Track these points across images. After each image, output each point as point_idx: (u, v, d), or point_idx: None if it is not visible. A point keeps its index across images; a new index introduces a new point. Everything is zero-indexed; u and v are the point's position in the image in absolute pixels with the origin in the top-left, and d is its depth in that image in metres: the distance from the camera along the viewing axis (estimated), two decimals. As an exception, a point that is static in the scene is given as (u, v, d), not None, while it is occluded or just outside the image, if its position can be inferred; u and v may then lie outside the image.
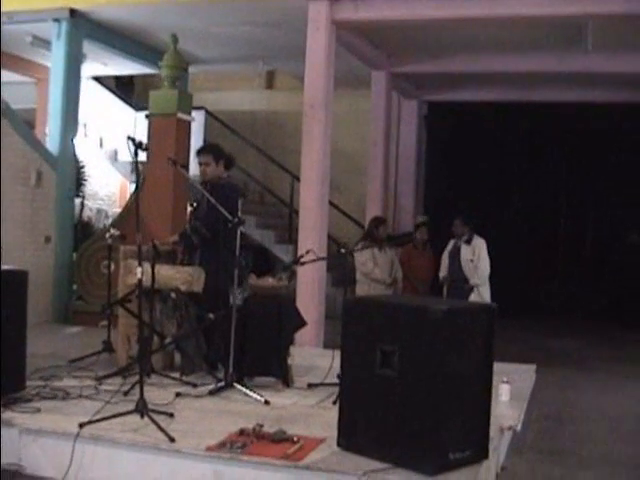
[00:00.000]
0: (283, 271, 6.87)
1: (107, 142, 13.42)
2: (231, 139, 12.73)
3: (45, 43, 10.55)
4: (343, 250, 6.49)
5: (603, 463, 5.64)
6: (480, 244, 8.89)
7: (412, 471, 4.01)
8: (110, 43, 10.79)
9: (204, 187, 6.48)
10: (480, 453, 4.28)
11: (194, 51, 11.41)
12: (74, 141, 10.15)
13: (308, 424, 5.01)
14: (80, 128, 11.20)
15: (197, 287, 6.25)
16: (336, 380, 4.79)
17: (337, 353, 4.57)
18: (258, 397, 5.58)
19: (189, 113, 9.41)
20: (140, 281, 5.05)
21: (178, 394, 5.62)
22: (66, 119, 9.94)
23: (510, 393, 5.90)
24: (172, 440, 4.42)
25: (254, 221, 11.96)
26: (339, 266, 9.38)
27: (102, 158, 13.51)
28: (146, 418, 4.71)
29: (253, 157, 13.27)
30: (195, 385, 5.93)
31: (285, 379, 6.18)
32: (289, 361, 6.24)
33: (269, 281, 6.53)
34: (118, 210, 12.39)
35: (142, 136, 8.54)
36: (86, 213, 13.06)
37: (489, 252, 8.90)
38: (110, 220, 12.30)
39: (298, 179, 9.40)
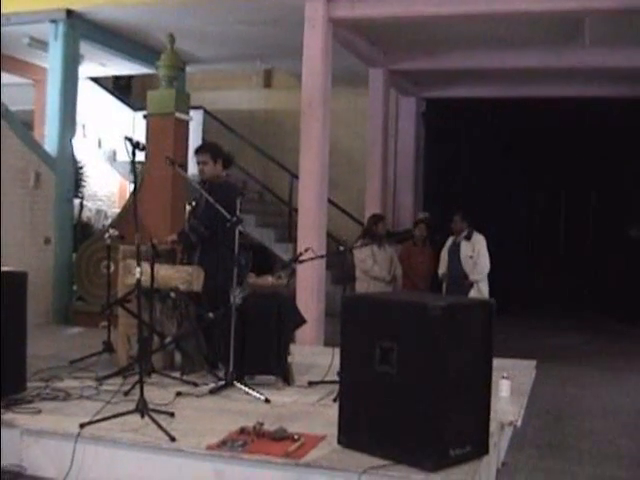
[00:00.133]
0: (282, 270, 6.87)
1: (106, 142, 13.42)
2: (229, 138, 12.73)
3: (42, 44, 10.55)
4: (342, 248, 6.50)
5: (603, 458, 5.65)
6: (480, 240, 8.91)
7: (412, 467, 4.01)
8: (107, 43, 10.79)
9: (202, 186, 6.49)
10: (480, 449, 4.29)
11: (191, 50, 11.41)
12: (72, 142, 10.16)
13: (309, 422, 5.01)
14: (78, 129, 11.23)
15: (196, 286, 6.26)
16: (336, 378, 4.79)
17: (337, 351, 4.57)
18: (258, 395, 5.58)
19: (187, 113, 9.42)
20: (139, 281, 5.06)
21: (178, 393, 5.62)
22: (64, 120, 9.94)
23: (510, 389, 5.90)
24: (173, 439, 4.43)
25: (254, 220, 11.96)
26: (338, 264, 9.38)
27: (101, 158, 13.52)
28: (147, 418, 4.71)
29: (252, 156, 13.26)
30: (195, 384, 5.93)
31: (285, 377, 6.18)
32: (289, 359, 6.24)
33: (268, 280, 6.54)
34: (117, 210, 12.40)
35: (141, 136, 8.60)
36: (85, 214, 13.07)
37: (488, 248, 8.91)
38: (109, 220, 12.31)
39: (297, 177, 9.41)
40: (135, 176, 5.53)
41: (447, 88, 13.06)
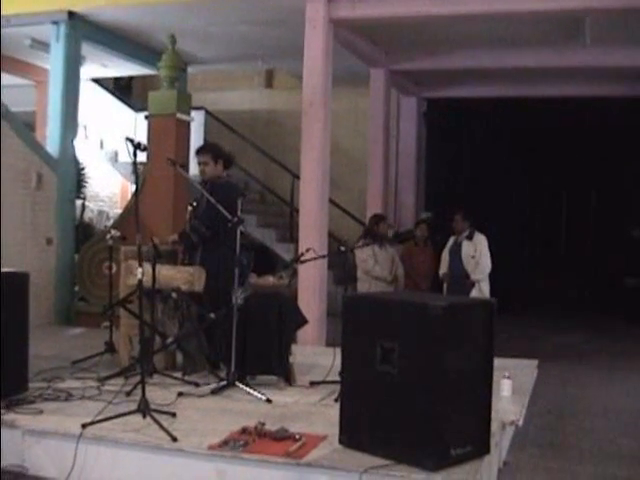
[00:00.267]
0: (284, 270, 6.88)
1: (107, 143, 13.43)
2: (231, 138, 12.73)
3: (44, 46, 10.57)
4: (343, 248, 6.51)
5: (605, 457, 5.65)
6: (481, 240, 8.91)
7: (413, 467, 4.02)
8: (109, 45, 10.81)
9: (203, 186, 6.50)
10: (481, 448, 4.29)
11: (193, 51, 11.42)
12: (74, 143, 10.17)
13: (310, 422, 5.02)
14: (80, 130, 11.24)
15: (198, 287, 6.27)
16: (338, 378, 4.79)
17: (339, 351, 4.58)
18: (260, 395, 5.59)
19: (188, 113, 9.43)
20: (140, 282, 5.07)
21: (180, 394, 5.64)
22: (66, 121, 9.96)
23: (512, 388, 5.91)
24: (174, 439, 4.44)
25: (255, 220, 11.97)
26: (340, 264, 9.39)
27: (103, 159, 13.53)
28: (148, 418, 4.73)
29: (253, 156, 13.26)
30: (197, 384, 5.94)
31: (287, 377, 6.19)
32: (291, 359, 6.25)
33: (270, 280, 6.55)
34: (119, 211, 12.41)
35: (142, 137, 8.62)
36: (87, 214, 13.08)
37: (490, 248, 8.92)
38: (111, 221, 12.32)
39: (298, 177, 9.41)
40: (137, 177, 5.53)
41: (448, 88, 13.06)
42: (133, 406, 4.85)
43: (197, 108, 11.21)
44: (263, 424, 4.64)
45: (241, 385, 5.75)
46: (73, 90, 10.11)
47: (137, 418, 4.75)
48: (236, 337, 5.80)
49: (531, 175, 18.12)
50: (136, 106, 12.88)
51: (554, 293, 17.00)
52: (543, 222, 19.21)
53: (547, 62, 10.87)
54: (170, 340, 6.45)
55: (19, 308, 5.39)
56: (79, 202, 11.89)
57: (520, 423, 5.36)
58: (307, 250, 6.45)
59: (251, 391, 5.67)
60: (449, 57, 11.13)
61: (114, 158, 13.46)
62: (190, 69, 12.42)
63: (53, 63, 10.09)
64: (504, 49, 10.74)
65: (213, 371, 6.30)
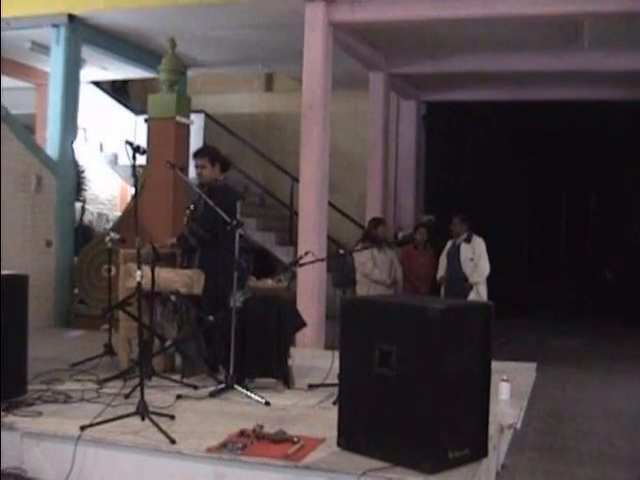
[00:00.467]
0: (283, 273, 6.88)
1: (107, 146, 13.45)
2: (231, 142, 12.75)
3: (44, 48, 10.58)
4: (342, 251, 6.52)
5: (603, 460, 5.67)
6: (480, 243, 8.93)
7: (411, 470, 4.03)
8: (109, 48, 10.82)
9: (201, 189, 6.50)
10: (479, 451, 4.30)
11: (192, 54, 11.44)
12: (74, 146, 10.19)
13: (308, 424, 5.03)
14: (80, 133, 11.25)
15: (197, 289, 6.28)
16: (336, 381, 4.80)
17: (337, 354, 4.59)
18: (259, 398, 5.60)
19: (188, 116, 9.44)
20: (139, 284, 5.08)
21: (179, 396, 5.64)
22: (66, 124, 9.97)
23: (510, 391, 5.92)
24: (173, 442, 4.45)
25: (255, 223, 11.97)
26: (339, 267, 9.40)
27: (102, 162, 13.54)
28: (147, 420, 4.74)
29: (253, 159, 13.28)
30: (196, 387, 5.94)
31: (286, 380, 6.20)
32: (289, 362, 6.25)
33: (269, 283, 6.56)
34: (118, 214, 12.42)
35: (142, 140, 8.63)
36: (87, 217, 13.09)
37: (488, 251, 8.94)
38: (110, 224, 12.33)
39: (298, 181, 9.43)
40: (136, 180, 5.54)
41: (448, 91, 13.08)
42: (132, 408, 4.85)
43: (197, 111, 11.22)
44: (262, 427, 4.65)
45: (240, 388, 5.75)
46: (73, 93, 10.12)
47: (136, 420, 4.75)
48: (235, 340, 5.81)
49: (530, 178, 18.16)
50: (136, 109, 12.90)
51: (553, 296, 17.01)
52: (542, 225, 19.25)
53: (546, 65, 10.90)
54: (169, 343, 6.45)
55: (18, 310, 5.39)
56: (79, 205, 11.91)
57: (518, 426, 5.37)
58: (306, 253, 6.46)
59: (250, 394, 5.67)
60: (448, 61, 11.14)
61: (114, 161, 13.48)
62: (190, 72, 12.44)
63: (53, 66, 10.10)
64: (503, 53, 10.76)
65: (212, 374, 6.29)
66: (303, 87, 8.94)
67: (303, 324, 6.60)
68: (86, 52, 10.48)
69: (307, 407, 5.61)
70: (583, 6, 8.26)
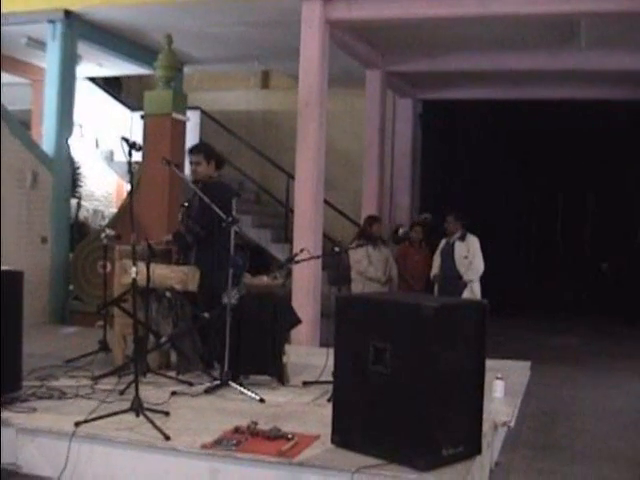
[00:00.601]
0: (278, 270, 6.89)
1: (103, 143, 13.43)
2: (227, 139, 12.76)
3: (40, 44, 10.56)
4: (337, 248, 6.52)
5: (597, 458, 5.67)
6: (474, 241, 8.94)
7: (405, 467, 4.04)
8: (105, 44, 10.80)
9: (195, 186, 6.49)
10: (473, 449, 4.31)
11: (189, 51, 11.43)
12: (70, 142, 10.17)
13: (303, 421, 5.04)
14: (76, 129, 11.22)
15: (192, 286, 6.27)
16: (331, 378, 4.81)
17: (332, 351, 4.59)
18: (253, 395, 5.60)
19: (184, 113, 9.43)
20: (135, 281, 5.09)
21: (174, 393, 5.65)
22: (61, 120, 9.94)
23: (504, 389, 5.94)
24: (167, 438, 4.46)
25: (250, 220, 11.97)
26: (334, 265, 9.41)
27: (98, 158, 13.53)
28: (142, 417, 4.74)
29: (249, 157, 13.28)
30: (191, 384, 5.95)
31: (280, 377, 6.21)
32: (284, 359, 6.26)
33: (264, 280, 6.56)
34: (114, 210, 12.42)
35: (138, 136, 8.62)
36: (82, 213, 13.08)
37: (485, 250, 8.95)
38: (106, 220, 12.32)
39: (294, 178, 9.43)
40: (132, 176, 5.54)
41: (444, 90, 13.08)
42: (126, 405, 4.86)
43: (193, 108, 11.21)
44: (256, 423, 4.66)
45: (234, 385, 5.76)
46: (69, 89, 10.10)
47: (130, 417, 4.76)
48: (230, 337, 5.81)
49: (527, 177, 18.17)
50: (132, 105, 12.88)
51: (551, 295, 17.03)
52: (539, 224, 19.27)
53: (542, 65, 10.90)
54: (164, 339, 6.45)
55: (13, 306, 5.39)
56: (74, 201, 11.90)
57: (512, 424, 5.39)
58: (301, 250, 6.47)
59: (244, 391, 5.68)
60: (445, 59, 11.15)
61: (109, 157, 13.47)
62: (186, 69, 12.43)
63: (49, 62, 10.08)
64: (500, 51, 10.76)
65: (207, 370, 6.30)
66: (299, 84, 8.94)
67: (298, 321, 6.61)
68: (82, 48, 10.45)
69: (302, 404, 5.62)
70: (580, 5, 8.28)
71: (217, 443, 4.41)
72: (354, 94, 12.50)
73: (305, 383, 6.17)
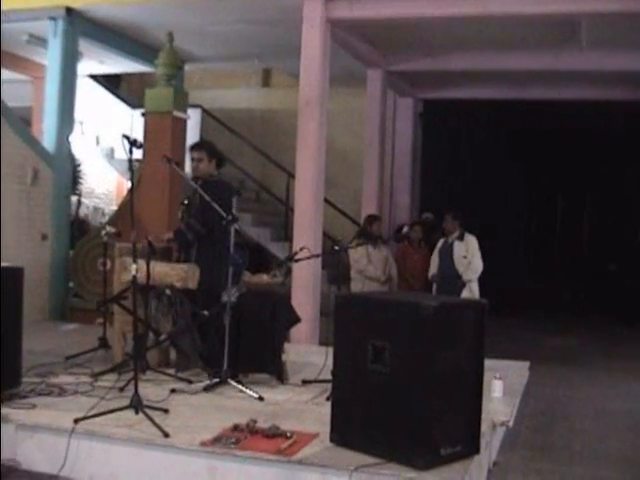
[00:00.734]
0: (278, 268, 6.90)
1: (103, 140, 13.44)
2: (227, 137, 12.76)
3: (41, 41, 10.57)
4: (337, 247, 6.53)
5: (596, 459, 5.68)
6: (472, 241, 8.95)
7: (404, 466, 4.05)
8: (106, 41, 10.80)
9: (195, 183, 6.49)
10: (471, 448, 4.32)
11: (190, 49, 11.42)
12: (70, 139, 10.18)
13: (302, 420, 5.05)
14: (76, 126, 11.23)
15: (192, 284, 6.28)
16: (330, 377, 4.82)
17: (331, 350, 4.60)
18: (252, 393, 5.61)
19: (185, 111, 9.44)
20: (135, 278, 5.09)
21: (173, 390, 5.66)
22: (62, 117, 9.95)
23: (503, 389, 5.94)
24: (166, 435, 4.46)
25: (250, 219, 11.98)
26: (334, 263, 9.41)
27: (99, 156, 13.54)
28: (141, 414, 4.75)
29: (249, 155, 13.29)
30: (190, 381, 5.96)
31: (279, 376, 6.21)
32: (283, 358, 6.27)
33: (264, 278, 6.57)
34: (114, 208, 12.42)
35: (139, 134, 8.62)
36: (82, 211, 13.09)
37: (484, 250, 8.96)
38: (106, 218, 12.33)
39: (294, 177, 9.44)
40: (132, 174, 5.55)
41: (445, 89, 13.08)
42: (126, 402, 4.87)
43: (194, 106, 11.22)
44: (255, 421, 4.67)
45: (234, 383, 5.77)
46: (70, 86, 10.11)
47: (130, 414, 4.77)
48: (229, 335, 5.82)
49: (527, 177, 18.18)
50: (133, 103, 12.88)
51: (550, 295, 17.04)
52: (539, 224, 19.28)
53: (543, 65, 10.90)
54: (163, 337, 6.47)
55: (13, 303, 5.39)
56: (74, 198, 11.90)
57: (510, 424, 5.39)
58: (301, 249, 6.47)
59: (244, 389, 5.69)
60: (446, 59, 11.14)
61: (110, 155, 13.48)
62: (187, 67, 12.41)
63: (50, 59, 10.08)
64: (500, 51, 10.76)
65: (206, 368, 6.30)
66: (300, 83, 8.95)
67: (297, 320, 6.61)
68: (83, 45, 10.46)
69: (300, 402, 5.62)
70: (581, 5, 8.28)
71: (216, 441, 4.42)
72: (355, 93, 12.50)
73: (304, 381, 6.17)
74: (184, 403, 5.38)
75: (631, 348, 11.03)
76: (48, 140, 9.90)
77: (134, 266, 5.07)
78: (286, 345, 6.40)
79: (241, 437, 4.47)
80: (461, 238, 8.96)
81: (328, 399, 5.19)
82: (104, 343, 7.11)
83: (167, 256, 6.73)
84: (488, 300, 4.47)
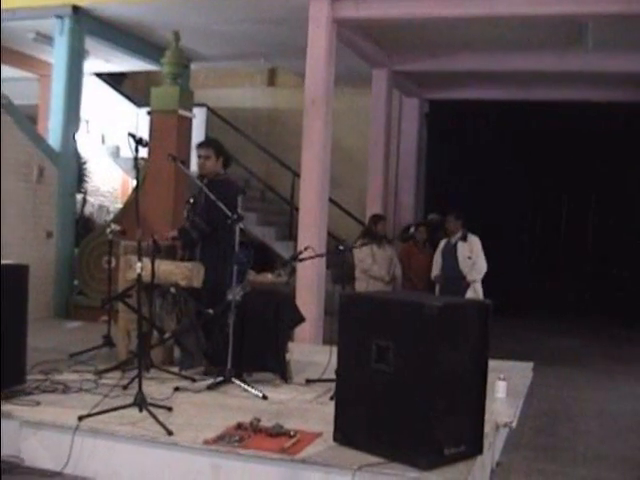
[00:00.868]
0: (282, 267, 6.90)
1: (109, 138, 13.46)
2: (233, 136, 12.76)
3: (48, 39, 10.60)
4: (342, 247, 6.53)
5: (598, 460, 5.67)
6: (476, 241, 8.95)
7: (407, 465, 4.05)
8: (112, 40, 10.82)
9: (201, 181, 6.50)
10: (475, 449, 4.32)
11: (196, 48, 11.44)
12: (76, 137, 10.19)
13: (305, 419, 5.05)
14: (82, 124, 11.25)
15: (196, 282, 6.28)
16: (334, 376, 4.82)
17: (335, 349, 4.60)
18: (256, 392, 5.62)
19: (190, 110, 9.45)
20: (139, 276, 5.10)
21: (177, 388, 5.67)
22: (68, 115, 9.97)
23: (506, 390, 5.94)
24: (170, 433, 4.47)
25: (255, 218, 11.98)
26: (338, 263, 9.41)
27: (104, 154, 13.56)
28: (145, 412, 4.75)
29: (255, 154, 13.29)
30: (194, 380, 5.97)
31: (283, 375, 6.22)
32: (287, 357, 6.27)
33: (268, 277, 6.57)
34: (120, 206, 12.44)
35: (144, 133, 8.63)
36: (88, 209, 13.12)
37: (488, 250, 8.95)
38: (111, 216, 12.34)
39: (299, 176, 9.44)
40: (138, 172, 5.55)
41: (450, 90, 13.08)
42: (130, 400, 4.87)
43: (199, 105, 11.23)
44: (259, 420, 4.67)
45: (237, 381, 5.77)
46: (76, 84, 10.13)
47: (133, 411, 4.77)
48: (233, 334, 5.83)
49: (532, 178, 18.13)
50: (138, 102, 12.90)
51: (554, 296, 16.99)
52: (543, 225, 19.23)
53: (549, 66, 10.89)
54: (168, 335, 6.48)
55: (18, 300, 5.40)
56: (80, 196, 11.93)
57: (514, 425, 5.39)
58: (306, 248, 6.48)
59: (247, 387, 5.70)
60: (451, 59, 11.14)
61: (115, 153, 13.49)
62: (193, 66, 12.44)
63: (56, 57, 10.10)
64: (506, 52, 10.75)
65: (210, 367, 6.31)
66: (306, 83, 8.95)
67: (302, 319, 6.62)
68: (89, 44, 10.48)
69: (304, 402, 5.63)
70: (587, 7, 8.26)
71: (219, 439, 4.43)
72: (360, 93, 12.50)
73: (308, 381, 6.18)
74: (188, 401, 5.39)
75: (635, 349, 11.02)
76: (54, 138, 9.91)
77: (139, 264, 5.07)
78: (290, 344, 6.41)
79: (245, 436, 4.47)
80: (464, 239, 8.96)
81: (332, 398, 5.20)
82: (108, 341, 7.12)
83: (172, 254, 6.74)
84: (492, 300, 4.47)
